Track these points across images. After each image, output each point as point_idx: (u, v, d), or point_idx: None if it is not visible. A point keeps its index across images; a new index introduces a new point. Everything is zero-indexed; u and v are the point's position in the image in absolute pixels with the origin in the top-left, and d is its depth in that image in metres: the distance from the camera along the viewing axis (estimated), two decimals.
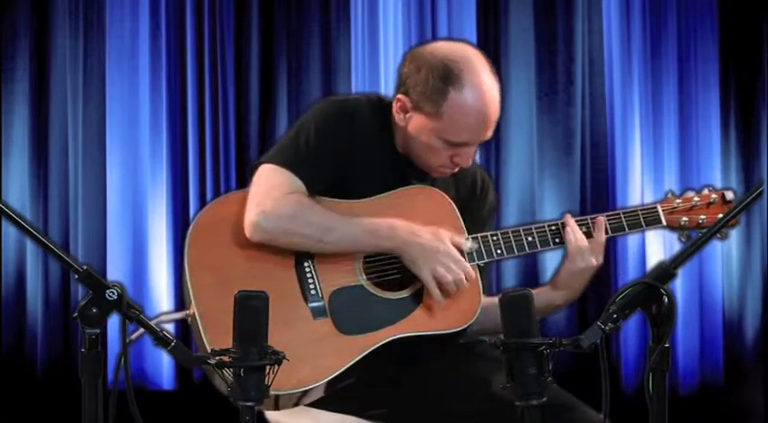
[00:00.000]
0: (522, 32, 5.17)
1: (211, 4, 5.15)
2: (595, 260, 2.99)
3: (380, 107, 3.06)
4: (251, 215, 2.93)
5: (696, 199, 3.08)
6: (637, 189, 5.11)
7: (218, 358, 2.33)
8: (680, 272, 2.38)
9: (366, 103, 3.06)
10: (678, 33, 5.19)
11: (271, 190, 2.95)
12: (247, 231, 2.93)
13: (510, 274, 5.09)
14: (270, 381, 2.31)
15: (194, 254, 2.93)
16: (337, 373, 2.86)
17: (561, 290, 3.03)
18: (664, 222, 3.07)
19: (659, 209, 3.07)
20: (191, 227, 2.97)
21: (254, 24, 5.17)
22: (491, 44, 5.15)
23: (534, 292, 2.86)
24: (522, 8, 5.17)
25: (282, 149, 3.01)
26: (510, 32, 5.17)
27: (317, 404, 2.95)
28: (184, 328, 2.98)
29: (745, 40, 5.14)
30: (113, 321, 2.37)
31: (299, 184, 2.95)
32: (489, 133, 2.99)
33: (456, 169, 3.03)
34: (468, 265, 2.95)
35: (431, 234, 2.95)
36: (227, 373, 2.34)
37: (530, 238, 3.03)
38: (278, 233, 2.92)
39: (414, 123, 2.98)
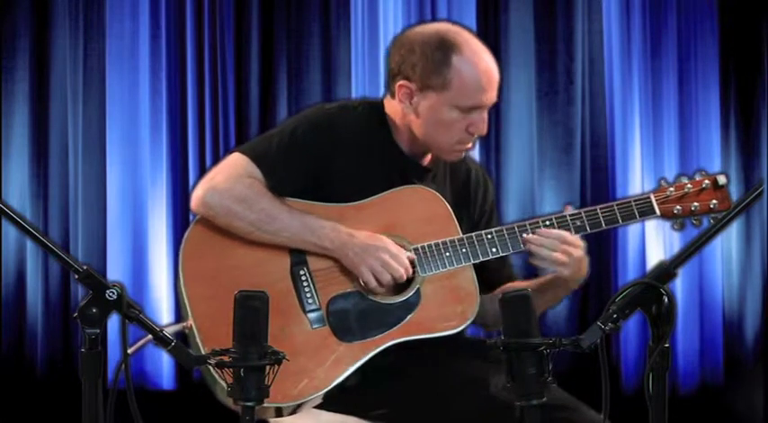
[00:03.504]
0: (522, 32, 5.17)
1: (211, 4, 5.15)
2: (561, 256, 2.95)
3: (371, 109, 3.05)
4: (199, 189, 2.96)
5: (689, 186, 3.06)
6: (637, 189, 5.10)
7: (218, 358, 2.33)
8: (680, 272, 2.38)
9: (353, 108, 3.06)
10: (678, 33, 5.19)
11: (228, 170, 2.97)
12: (192, 203, 2.96)
13: None
14: (270, 381, 2.31)
15: (189, 266, 2.93)
16: (337, 382, 2.87)
17: (543, 292, 3.02)
18: (658, 212, 3.05)
19: (652, 198, 3.04)
20: (184, 239, 2.97)
21: (254, 24, 5.17)
22: (491, 44, 5.12)
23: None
24: (522, 8, 5.17)
25: (255, 144, 3.04)
26: (510, 32, 5.17)
27: (318, 404, 2.95)
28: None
29: (745, 40, 5.14)
30: (113, 321, 2.38)
31: (259, 175, 2.96)
32: (495, 94, 3.00)
33: (471, 144, 3.02)
34: (406, 260, 2.94)
35: (367, 234, 2.94)
36: (228, 373, 2.35)
37: (525, 235, 3.02)
38: (221, 211, 2.93)
39: (424, 105, 2.98)
